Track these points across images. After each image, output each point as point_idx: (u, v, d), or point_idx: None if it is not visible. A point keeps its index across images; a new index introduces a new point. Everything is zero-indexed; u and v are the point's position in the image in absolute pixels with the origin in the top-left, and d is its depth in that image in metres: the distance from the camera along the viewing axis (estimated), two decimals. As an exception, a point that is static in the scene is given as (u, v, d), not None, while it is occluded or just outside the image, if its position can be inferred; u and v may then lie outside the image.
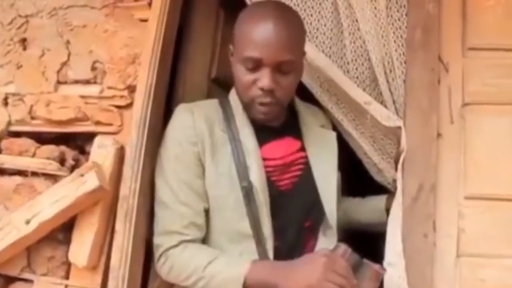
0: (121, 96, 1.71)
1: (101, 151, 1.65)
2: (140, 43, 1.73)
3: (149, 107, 1.65)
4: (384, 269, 1.45)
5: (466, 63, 1.75)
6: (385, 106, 1.74)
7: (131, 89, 1.71)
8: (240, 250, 1.50)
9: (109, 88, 1.73)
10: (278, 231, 1.52)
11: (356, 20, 1.76)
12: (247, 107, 1.54)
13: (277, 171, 1.57)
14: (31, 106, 1.79)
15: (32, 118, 1.79)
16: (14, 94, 1.82)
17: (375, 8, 1.77)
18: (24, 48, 1.86)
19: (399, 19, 1.76)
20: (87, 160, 1.71)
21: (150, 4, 1.75)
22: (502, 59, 1.75)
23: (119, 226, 1.59)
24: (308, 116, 1.73)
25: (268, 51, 1.43)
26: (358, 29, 1.77)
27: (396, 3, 1.78)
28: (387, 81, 1.76)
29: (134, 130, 1.63)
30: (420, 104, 1.70)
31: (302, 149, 1.65)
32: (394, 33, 1.76)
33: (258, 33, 1.44)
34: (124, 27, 1.77)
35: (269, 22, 1.44)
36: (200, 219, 1.53)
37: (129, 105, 1.70)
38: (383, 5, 1.77)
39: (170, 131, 1.59)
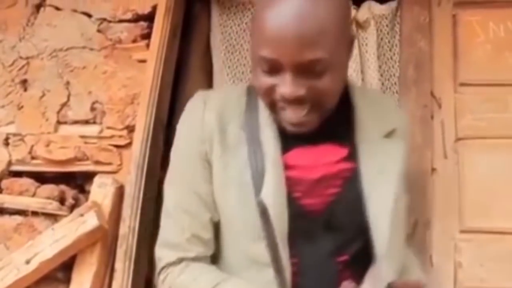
0: (120, 136, 1.75)
1: (101, 190, 1.68)
2: (139, 83, 1.77)
3: (148, 147, 1.68)
4: None
5: (458, 99, 1.79)
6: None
7: (130, 129, 1.74)
8: (255, 278, 1.17)
9: (108, 128, 1.77)
10: (299, 263, 1.16)
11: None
12: (272, 112, 1.17)
13: (302, 185, 1.16)
14: (32, 146, 1.82)
15: (33, 158, 1.82)
16: (14, 134, 1.86)
17: (366, 44, 1.81)
18: (25, 89, 1.90)
19: (391, 58, 1.80)
20: (86, 199, 1.74)
21: (148, 45, 1.80)
22: (493, 94, 1.78)
23: (118, 265, 1.60)
24: (369, 117, 1.24)
25: (287, 48, 1.04)
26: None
27: (388, 42, 1.83)
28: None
29: (133, 170, 1.66)
30: (414, 139, 1.73)
31: (349, 159, 1.20)
32: (387, 71, 1.80)
33: (272, 25, 1.04)
34: (122, 68, 1.82)
35: (287, 7, 1.03)
36: (206, 233, 1.22)
37: (128, 145, 1.74)
38: (373, 41, 1.82)
39: (179, 125, 1.29)
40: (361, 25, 1.89)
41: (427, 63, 1.80)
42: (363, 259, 1.15)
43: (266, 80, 1.09)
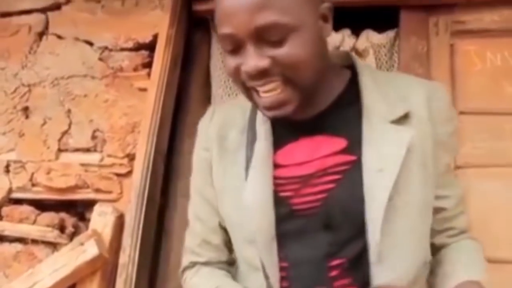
0: (121, 164, 1.76)
1: (101, 219, 1.68)
2: (140, 112, 1.79)
3: (148, 176, 1.69)
4: None
5: (457, 127, 1.80)
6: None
7: (131, 157, 1.75)
8: (253, 283, 1.13)
9: (109, 156, 1.78)
10: (288, 268, 1.10)
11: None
12: (250, 100, 1.10)
13: (292, 183, 1.10)
14: (32, 174, 1.83)
15: (33, 185, 1.83)
16: (15, 162, 1.87)
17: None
18: (27, 117, 1.92)
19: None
20: (86, 226, 1.75)
21: (149, 74, 1.82)
22: (491, 123, 1.80)
23: (118, 294, 1.60)
24: (378, 101, 1.12)
25: (238, 18, 1.00)
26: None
27: (387, 70, 1.85)
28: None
29: (133, 199, 1.67)
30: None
31: (350, 150, 1.09)
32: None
33: (225, 1, 1.02)
34: (123, 97, 1.83)
35: None
36: (216, 237, 1.22)
37: (128, 173, 1.75)
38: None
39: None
40: (360, 54, 1.91)
41: (425, 92, 1.81)
42: (364, 263, 1.05)
43: (232, 62, 1.04)
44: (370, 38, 1.92)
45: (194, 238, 1.23)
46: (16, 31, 2.01)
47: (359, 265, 1.04)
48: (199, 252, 1.23)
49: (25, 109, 1.93)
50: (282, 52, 0.99)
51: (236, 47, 1.01)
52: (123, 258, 1.63)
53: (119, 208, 1.72)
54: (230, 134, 1.18)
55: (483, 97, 1.83)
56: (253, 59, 0.99)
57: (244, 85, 1.05)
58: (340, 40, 1.91)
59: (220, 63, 2.00)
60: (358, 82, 1.12)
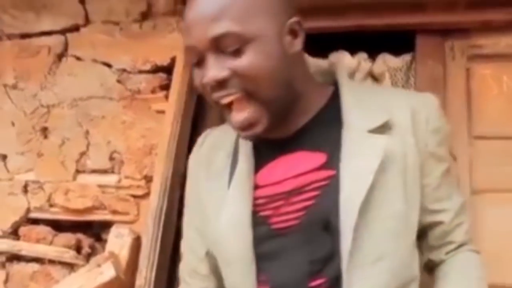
0: (138, 186, 1.77)
1: (118, 241, 1.70)
2: (157, 134, 1.80)
3: (165, 198, 1.70)
4: None
5: (473, 152, 1.79)
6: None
7: (148, 179, 1.76)
8: None
9: (126, 178, 1.80)
10: None
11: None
12: (224, 116, 1.09)
13: (271, 202, 1.08)
14: (50, 194, 1.85)
15: (51, 205, 1.85)
16: (34, 182, 1.89)
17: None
18: (45, 137, 1.94)
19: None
20: (103, 247, 1.76)
21: (166, 97, 1.83)
22: (507, 147, 1.79)
23: (134, 317, 1.61)
24: (357, 113, 1.09)
25: (195, 31, 1.01)
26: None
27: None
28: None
29: (150, 221, 1.68)
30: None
31: (329, 165, 1.06)
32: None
33: (186, 15, 1.04)
34: (141, 119, 1.85)
35: None
36: (204, 267, 1.21)
37: (145, 195, 1.76)
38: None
39: None
40: (376, 78, 1.92)
41: (441, 116, 1.82)
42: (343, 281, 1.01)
43: (197, 75, 1.05)
44: (386, 62, 1.93)
45: (185, 268, 1.25)
46: (36, 52, 2.04)
47: (339, 284, 1.00)
48: (189, 281, 1.24)
49: (44, 130, 1.95)
50: (240, 63, 0.99)
51: (199, 59, 1.02)
52: (140, 279, 1.64)
53: (135, 230, 1.72)
54: (218, 157, 1.18)
55: (500, 122, 1.82)
56: (212, 70, 0.99)
57: (215, 103, 1.04)
58: (356, 64, 1.92)
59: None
60: (339, 98, 1.11)
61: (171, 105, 1.80)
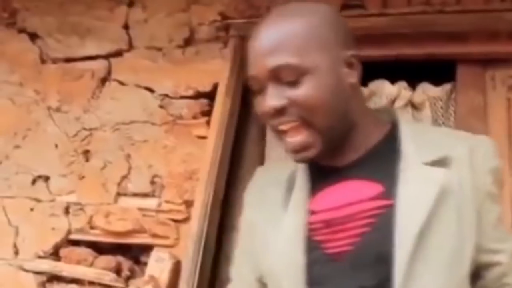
0: (178, 211, 1.79)
1: (158, 265, 1.71)
2: (197, 159, 1.82)
3: (206, 223, 1.71)
4: None
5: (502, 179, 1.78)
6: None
7: (188, 204, 1.78)
8: None
9: (167, 202, 1.82)
10: None
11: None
12: (280, 141, 1.14)
13: (326, 227, 1.10)
14: (91, 216, 1.88)
15: (91, 228, 1.87)
16: (75, 204, 1.92)
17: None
18: (87, 160, 1.98)
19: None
20: (142, 270, 1.77)
21: (208, 122, 1.86)
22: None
23: None
24: (414, 147, 1.12)
25: (257, 61, 1.08)
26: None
27: (443, 123, 1.86)
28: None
29: (190, 245, 1.69)
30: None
31: (386, 195, 1.08)
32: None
33: (250, 46, 1.12)
34: (182, 144, 1.88)
35: (260, 27, 1.11)
36: None
37: (185, 219, 1.77)
38: (428, 123, 1.85)
39: None
40: (416, 107, 1.92)
41: (482, 146, 1.81)
42: None
43: (258, 103, 1.11)
44: (426, 91, 1.93)
45: None
46: (80, 76, 2.09)
47: None
48: None
49: (86, 152, 1.99)
50: (297, 93, 1.05)
51: (260, 88, 1.08)
52: (179, 304, 1.65)
53: (174, 254, 1.74)
54: (272, 191, 1.20)
55: (542, 154, 1.81)
56: (271, 99, 1.05)
57: (273, 129, 1.10)
58: (396, 93, 1.92)
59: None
60: (398, 134, 1.14)
61: (213, 131, 1.82)
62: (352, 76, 1.12)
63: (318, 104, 1.07)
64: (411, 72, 1.94)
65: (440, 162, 1.09)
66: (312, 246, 1.08)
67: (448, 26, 1.86)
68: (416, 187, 1.05)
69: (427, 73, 1.95)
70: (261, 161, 1.95)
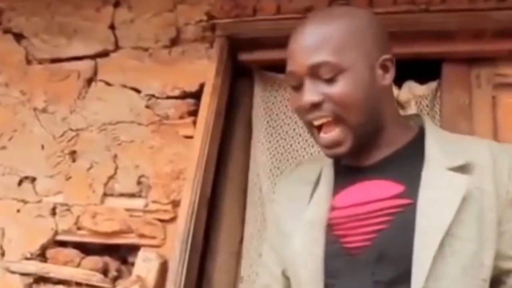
0: (165, 211, 1.79)
1: (145, 265, 1.71)
2: (184, 159, 1.82)
3: (192, 222, 1.71)
4: None
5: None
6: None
7: (175, 203, 1.78)
8: None
9: (154, 202, 1.81)
10: None
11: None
12: (312, 136, 1.23)
13: (346, 223, 1.15)
14: (78, 217, 1.87)
15: (78, 228, 1.87)
16: (62, 205, 1.91)
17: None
18: (73, 160, 1.97)
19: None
20: (129, 271, 1.77)
21: (194, 122, 1.86)
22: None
23: None
24: (439, 151, 1.17)
25: (298, 58, 1.17)
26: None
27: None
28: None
29: (177, 245, 1.69)
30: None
31: (406, 195, 1.12)
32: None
33: (290, 43, 1.21)
34: (169, 144, 1.87)
35: (302, 27, 1.20)
36: (277, 286, 1.28)
37: (172, 219, 1.77)
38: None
39: None
40: (402, 105, 1.92)
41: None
42: None
43: (294, 98, 1.20)
44: (412, 90, 1.94)
45: (258, 284, 1.34)
46: (66, 77, 2.08)
47: None
48: None
49: (73, 153, 1.98)
50: (333, 89, 1.13)
51: (297, 83, 1.17)
52: (166, 303, 1.65)
53: (162, 254, 1.74)
54: (300, 188, 1.28)
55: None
56: (308, 94, 1.14)
57: (308, 124, 1.20)
58: (382, 92, 1.93)
59: (262, 110, 2.04)
60: (424, 138, 1.20)
61: (199, 131, 1.82)
62: (386, 79, 1.20)
63: (351, 101, 1.14)
64: (397, 70, 1.94)
65: (464, 168, 1.13)
66: (331, 240, 1.14)
67: (433, 25, 1.87)
68: (439, 191, 1.09)
69: (412, 72, 1.96)
70: (247, 160, 1.96)
